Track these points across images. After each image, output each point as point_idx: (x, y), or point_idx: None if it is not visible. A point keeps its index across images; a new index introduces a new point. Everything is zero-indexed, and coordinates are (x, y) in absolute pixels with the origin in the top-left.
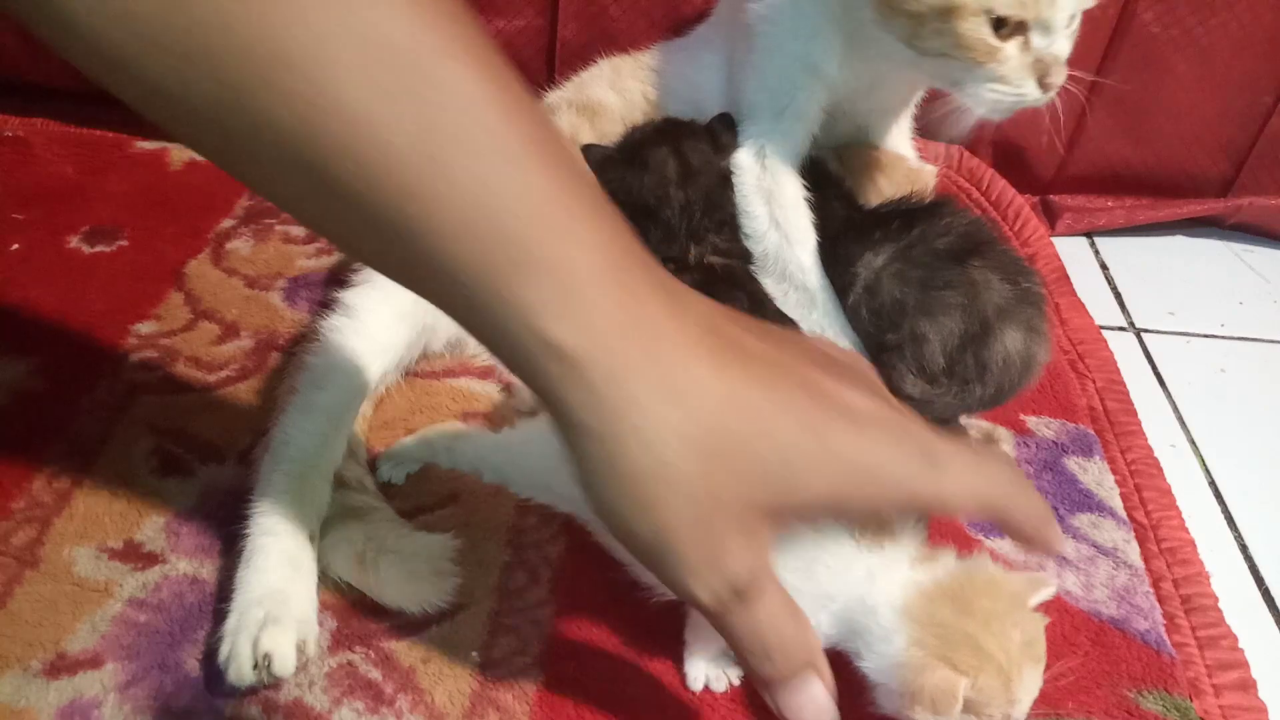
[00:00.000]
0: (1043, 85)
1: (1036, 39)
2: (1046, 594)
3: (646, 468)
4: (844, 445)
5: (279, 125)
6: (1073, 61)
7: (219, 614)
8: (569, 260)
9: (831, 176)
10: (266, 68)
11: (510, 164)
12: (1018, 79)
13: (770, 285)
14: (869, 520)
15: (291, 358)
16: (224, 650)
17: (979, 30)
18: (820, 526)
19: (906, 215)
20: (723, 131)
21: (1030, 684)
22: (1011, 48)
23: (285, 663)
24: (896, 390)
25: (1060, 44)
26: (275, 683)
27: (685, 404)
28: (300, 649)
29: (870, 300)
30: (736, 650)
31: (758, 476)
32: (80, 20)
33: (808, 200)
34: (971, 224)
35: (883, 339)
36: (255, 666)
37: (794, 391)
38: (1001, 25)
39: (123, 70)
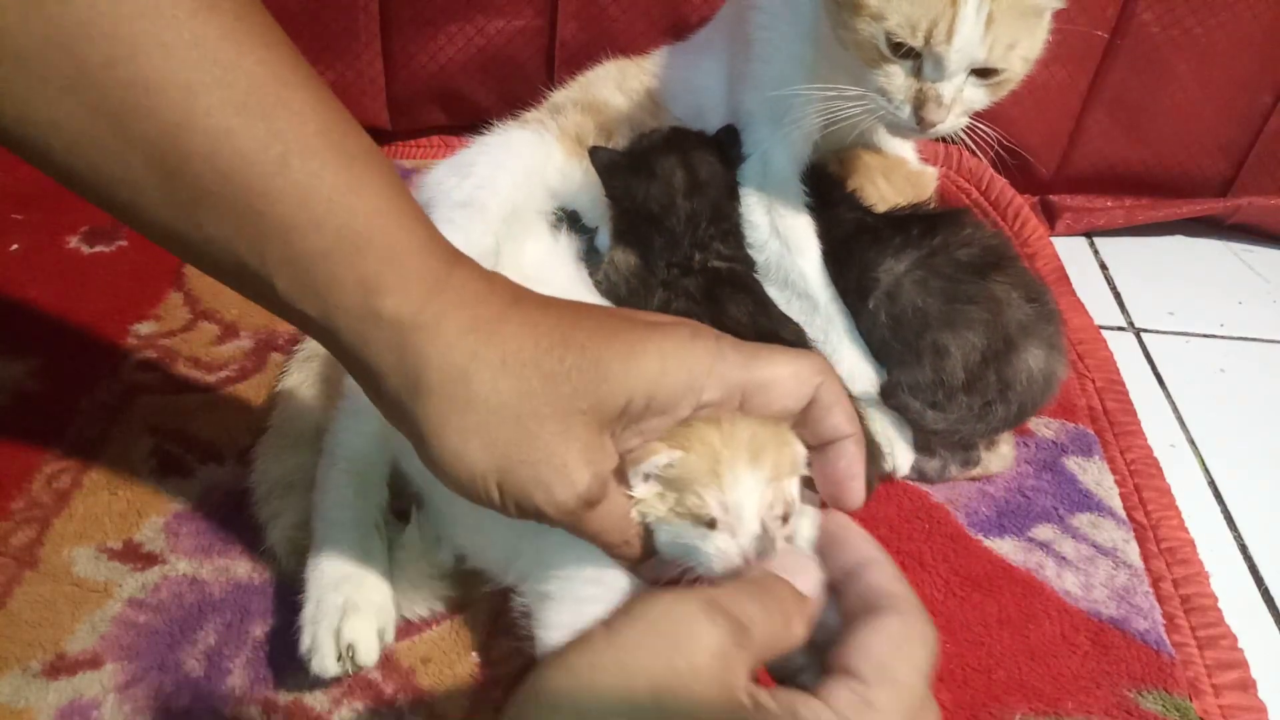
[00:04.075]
0: (918, 117)
1: (928, 70)
2: (801, 455)
3: (481, 407)
4: (646, 341)
5: (152, 144)
6: (1073, 60)
7: (243, 603)
8: (398, 244)
9: (834, 181)
10: (143, 95)
11: (349, 169)
12: (897, 99)
13: (774, 293)
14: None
15: (293, 356)
16: (305, 641)
17: (874, 36)
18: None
19: (926, 222)
20: (730, 144)
21: (747, 487)
22: (899, 68)
23: (369, 652)
24: (919, 426)
25: (948, 86)
26: (359, 672)
27: (503, 344)
28: (380, 636)
29: (891, 305)
30: (594, 543)
31: (576, 386)
32: None
33: (810, 207)
34: (993, 238)
35: (899, 346)
36: (339, 658)
37: (592, 314)
38: (897, 42)
39: (8, 109)
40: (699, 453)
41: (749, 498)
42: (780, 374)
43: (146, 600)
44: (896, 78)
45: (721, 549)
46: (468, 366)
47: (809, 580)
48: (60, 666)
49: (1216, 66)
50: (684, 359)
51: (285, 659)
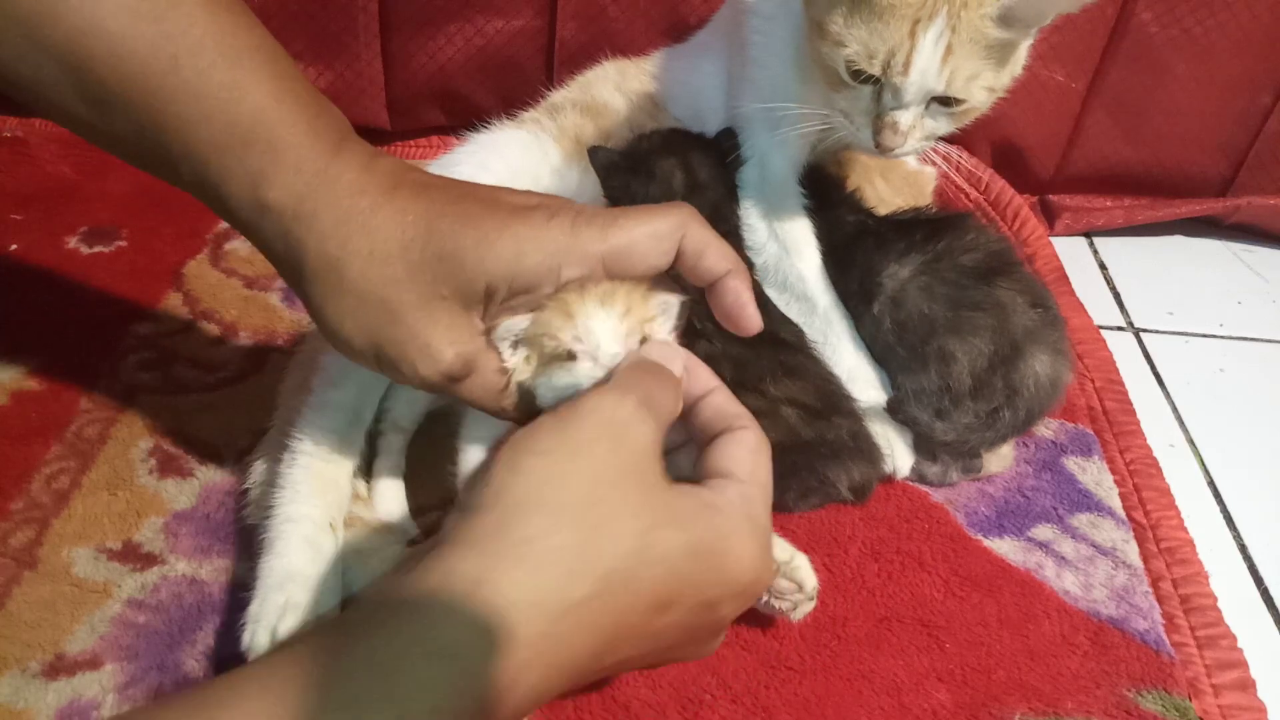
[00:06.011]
0: (876, 140)
1: (886, 98)
2: (670, 304)
3: (352, 293)
4: (503, 229)
5: (60, 48)
6: (1071, 60)
7: (242, 603)
8: (280, 139)
9: (835, 183)
10: (49, 2)
11: (237, 66)
12: (857, 121)
13: (773, 295)
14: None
15: (293, 356)
16: (245, 639)
17: (835, 62)
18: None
19: (930, 226)
20: (728, 147)
21: (599, 319)
22: (858, 92)
23: None
24: (929, 439)
25: (905, 115)
26: None
27: (372, 236)
28: None
29: (896, 311)
30: (473, 407)
31: (437, 274)
32: None
33: (809, 209)
34: (997, 243)
35: (904, 352)
36: None
37: (461, 202)
38: (856, 69)
39: None
40: (553, 308)
41: (601, 325)
42: (636, 236)
43: (146, 601)
44: (857, 102)
45: (588, 373)
46: (340, 256)
47: (678, 364)
48: (60, 667)
49: (1216, 66)
50: (540, 242)
51: None
